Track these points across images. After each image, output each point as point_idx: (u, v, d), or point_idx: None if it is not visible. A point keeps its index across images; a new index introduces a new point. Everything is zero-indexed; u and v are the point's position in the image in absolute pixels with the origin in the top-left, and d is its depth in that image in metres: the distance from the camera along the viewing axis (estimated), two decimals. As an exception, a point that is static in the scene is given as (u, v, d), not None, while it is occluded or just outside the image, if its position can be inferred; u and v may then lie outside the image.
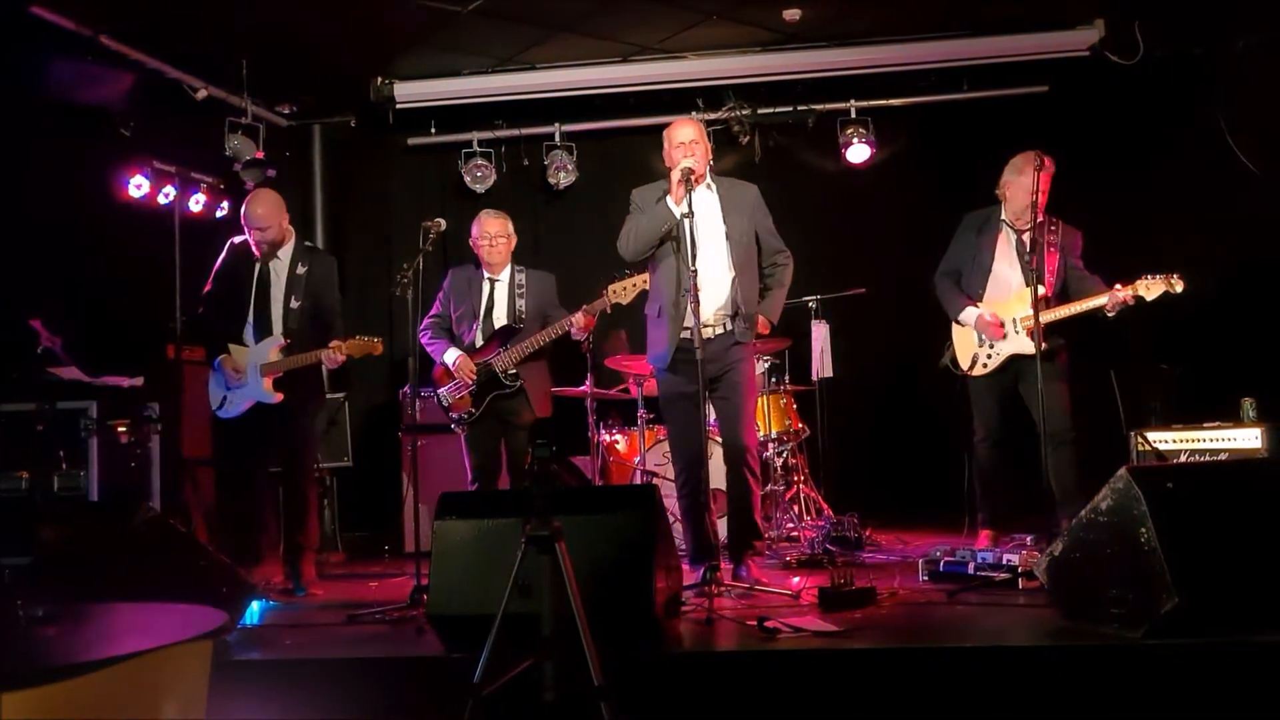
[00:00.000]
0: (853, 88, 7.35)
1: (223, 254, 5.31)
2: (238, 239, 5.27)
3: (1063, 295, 5.20)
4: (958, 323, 5.36)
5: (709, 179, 4.80)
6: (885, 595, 4.23)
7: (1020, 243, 5.27)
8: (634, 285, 4.96)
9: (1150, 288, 4.98)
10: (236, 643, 3.86)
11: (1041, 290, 5.12)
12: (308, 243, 5.36)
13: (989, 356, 5.24)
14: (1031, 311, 5.05)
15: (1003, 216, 5.32)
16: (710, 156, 4.82)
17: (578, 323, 5.16)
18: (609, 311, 5.30)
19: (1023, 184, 5.14)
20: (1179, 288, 4.99)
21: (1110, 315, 5.07)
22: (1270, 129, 6.47)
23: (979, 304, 5.29)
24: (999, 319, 5.20)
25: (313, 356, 5.11)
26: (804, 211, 6.97)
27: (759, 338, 4.89)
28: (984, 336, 5.26)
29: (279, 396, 5.09)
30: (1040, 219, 5.22)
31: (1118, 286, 5.02)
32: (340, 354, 5.07)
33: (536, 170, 7.74)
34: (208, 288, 5.37)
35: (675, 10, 6.33)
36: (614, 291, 5.01)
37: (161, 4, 5.77)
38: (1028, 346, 5.10)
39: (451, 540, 3.62)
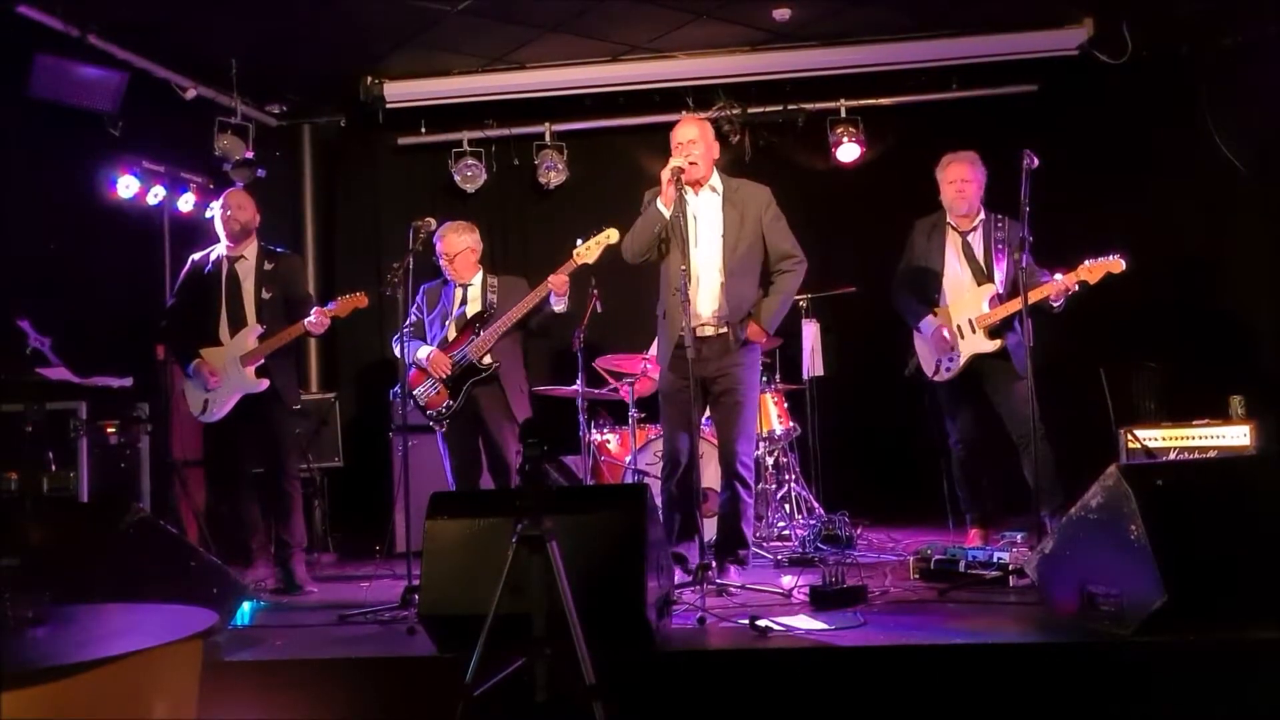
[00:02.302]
0: (842, 87, 7.35)
1: (185, 268, 5.42)
2: (198, 254, 5.40)
3: (1015, 291, 5.22)
4: (917, 329, 5.40)
5: (715, 179, 4.81)
6: (876, 593, 4.25)
7: (966, 243, 5.33)
8: (598, 244, 5.01)
9: (1093, 271, 5.01)
10: (227, 643, 3.85)
11: (994, 289, 5.22)
12: (270, 246, 5.43)
13: (950, 360, 5.28)
14: (985, 310, 5.20)
15: (948, 220, 5.38)
16: (716, 156, 4.83)
17: (554, 284, 5.09)
18: (599, 309, 5.30)
19: (944, 180, 5.33)
20: (1119, 268, 5.00)
21: (1056, 306, 5.08)
22: (1256, 127, 6.50)
23: (936, 311, 5.33)
24: (948, 337, 5.23)
25: (297, 329, 5.18)
26: (794, 210, 6.90)
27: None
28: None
29: (264, 383, 5.14)
30: (984, 216, 5.32)
31: (1058, 276, 5.04)
32: (324, 316, 5.12)
33: (527, 169, 7.73)
34: (171, 302, 5.45)
35: (665, 10, 6.33)
36: (579, 254, 5.07)
37: (150, 3, 5.76)
38: (985, 345, 5.18)
39: (443, 540, 3.61)
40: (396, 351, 5.26)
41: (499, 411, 5.26)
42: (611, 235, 4.97)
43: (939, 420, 5.53)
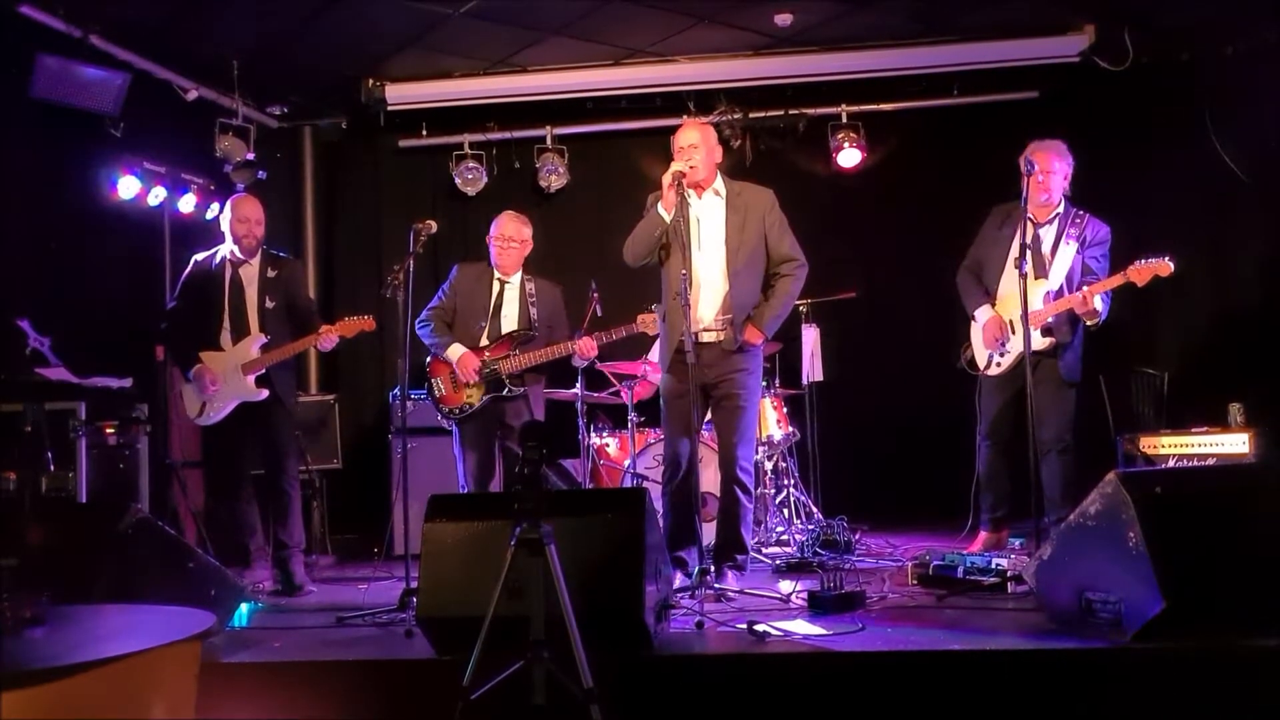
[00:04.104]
0: (844, 92, 7.35)
1: (188, 269, 5.40)
2: (200, 255, 5.39)
3: (1072, 289, 5.06)
4: (973, 318, 5.33)
5: (718, 183, 4.81)
6: (874, 599, 4.25)
7: (1036, 236, 5.13)
8: None
9: (1140, 273, 4.85)
10: (225, 645, 3.85)
11: (1048, 286, 5.05)
12: (273, 250, 5.42)
13: (1002, 355, 5.21)
14: (1039, 306, 5.01)
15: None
16: (718, 160, 4.83)
17: (581, 350, 5.22)
18: (599, 313, 5.33)
19: (1032, 178, 5.06)
20: (1168, 270, 4.83)
21: (1091, 325, 4.98)
22: (1257, 135, 6.51)
23: (994, 302, 5.25)
24: (998, 329, 5.16)
25: (302, 344, 5.19)
26: (794, 215, 6.90)
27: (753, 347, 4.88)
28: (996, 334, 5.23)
29: (264, 392, 5.14)
30: (1062, 210, 5.16)
31: (1084, 290, 4.90)
32: (332, 335, 5.12)
33: (528, 173, 7.73)
34: (172, 304, 5.44)
35: (667, 14, 6.33)
36: (643, 321, 5.13)
37: (152, 4, 5.76)
38: (1037, 342, 4.97)
39: (441, 542, 3.61)
40: (419, 333, 5.27)
41: (523, 419, 5.28)
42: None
43: (969, 419, 5.42)
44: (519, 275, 5.45)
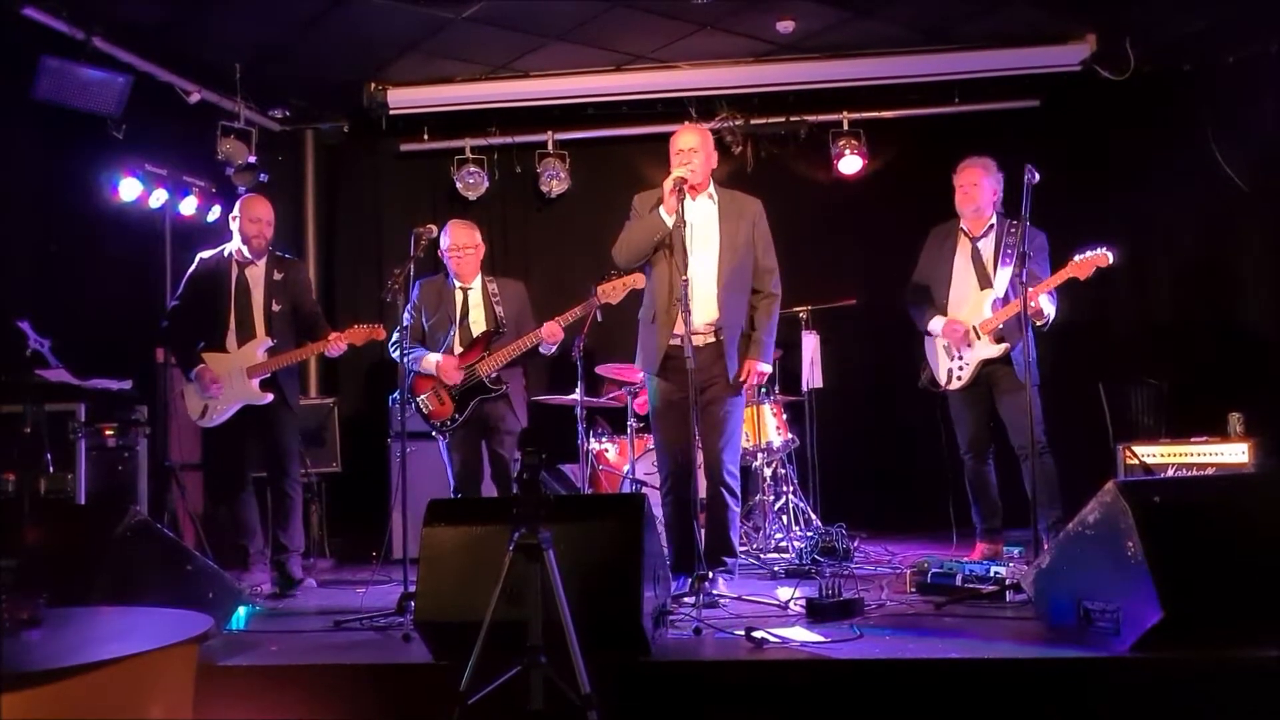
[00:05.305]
0: (845, 99, 7.36)
1: (192, 268, 5.37)
2: (206, 253, 5.37)
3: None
4: (927, 333, 5.38)
5: (711, 189, 4.81)
6: (873, 606, 4.24)
7: (975, 249, 5.30)
8: (624, 285, 5.00)
9: (1081, 266, 4.97)
10: (222, 648, 3.84)
11: (995, 294, 5.16)
12: (278, 252, 5.42)
13: (960, 368, 5.26)
14: (987, 314, 5.16)
15: (960, 225, 5.36)
16: (714, 165, 4.83)
17: (546, 336, 5.20)
18: (598, 318, 5.34)
19: (955, 182, 5.30)
20: (1107, 261, 4.95)
21: (1040, 324, 5.04)
22: (1257, 144, 6.52)
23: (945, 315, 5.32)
24: (964, 324, 5.21)
25: (309, 350, 5.19)
26: (795, 222, 6.97)
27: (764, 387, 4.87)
28: (951, 347, 5.26)
29: (268, 395, 5.13)
30: (996, 222, 5.28)
31: (1031, 291, 4.91)
32: (341, 342, 5.12)
33: (529, 177, 7.73)
34: (175, 302, 5.42)
35: (669, 20, 6.34)
36: (604, 291, 5.07)
37: (155, 6, 5.77)
38: (991, 350, 5.16)
39: (440, 547, 3.61)
40: (394, 355, 5.26)
41: (506, 422, 5.30)
42: (638, 281, 4.96)
43: (951, 431, 5.48)
44: (479, 279, 5.46)
